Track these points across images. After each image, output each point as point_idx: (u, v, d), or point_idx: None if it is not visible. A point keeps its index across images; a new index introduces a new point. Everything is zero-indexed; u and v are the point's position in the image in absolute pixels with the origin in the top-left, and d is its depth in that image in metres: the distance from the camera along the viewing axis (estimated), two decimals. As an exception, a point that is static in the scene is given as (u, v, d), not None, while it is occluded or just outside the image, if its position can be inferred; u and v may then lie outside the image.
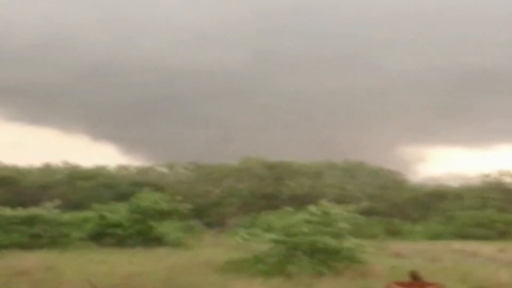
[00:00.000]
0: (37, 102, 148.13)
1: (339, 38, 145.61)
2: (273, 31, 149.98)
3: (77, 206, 57.11)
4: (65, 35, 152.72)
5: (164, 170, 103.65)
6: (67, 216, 45.55)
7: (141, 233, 44.90)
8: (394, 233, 67.19)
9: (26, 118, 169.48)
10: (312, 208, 31.10)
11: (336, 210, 30.92)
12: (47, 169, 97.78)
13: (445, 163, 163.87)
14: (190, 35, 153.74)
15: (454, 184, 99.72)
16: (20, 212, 42.54)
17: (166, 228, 46.91)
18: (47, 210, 43.35)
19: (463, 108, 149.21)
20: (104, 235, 44.24)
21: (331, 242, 28.07)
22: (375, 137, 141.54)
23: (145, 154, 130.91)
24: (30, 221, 41.77)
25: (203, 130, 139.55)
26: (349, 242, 28.68)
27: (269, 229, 31.04)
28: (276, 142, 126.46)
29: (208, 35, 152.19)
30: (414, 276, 18.23)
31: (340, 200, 50.00)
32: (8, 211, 42.58)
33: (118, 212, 46.82)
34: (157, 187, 69.04)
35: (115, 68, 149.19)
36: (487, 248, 43.98)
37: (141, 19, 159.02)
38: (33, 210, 43.10)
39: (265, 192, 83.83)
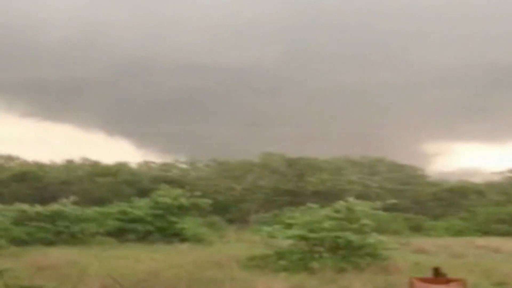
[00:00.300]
0: (66, 98, 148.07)
1: (369, 34, 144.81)
2: (306, 27, 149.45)
3: (98, 202, 57.31)
4: (98, 32, 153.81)
5: (185, 166, 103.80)
6: (89, 212, 45.79)
7: (162, 229, 45.09)
8: (416, 229, 66.91)
9: (45, 113, 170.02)
10: (337, 204, 31.14)
11: (360, 206, 30.93)
12: (68, 166, 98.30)
13: (467, 159, 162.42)
14: (223, 31, 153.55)
15: (476, 180, 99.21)
16: (41, 208, 42.82)
17: (187, 224, 47.00)
18: (66, 206, 43.62)
19: (487, 104, 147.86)
20: (125, 231, 44.46)
21: (354, 238, 28.06)
22: (398, 132, 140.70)
23: (169, 151, 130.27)
24: (53, 217, 42.04)
25: (229, 126, 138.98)
26: (372, 238, 28.64)
27: (291, 225, 30.94)
28: (302, 138, 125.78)
29: (241, 31, 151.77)
30: (437, 272, 18.15)
31: (362, 196, 49.84)
32: (30, 208, 42.88)
33: (140, 208, 46.99)
34: (178, 183, 69.14)
35: (148, 65, 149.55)
36: (510, 244, 43.61)
37: (173, 15, 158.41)
38: (56, 207, 43.36)
39: (287, 188, 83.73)
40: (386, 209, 40.48)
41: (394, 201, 39.08)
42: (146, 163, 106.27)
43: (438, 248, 40.33)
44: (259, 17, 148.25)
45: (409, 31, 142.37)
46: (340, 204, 31.19)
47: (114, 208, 47.98)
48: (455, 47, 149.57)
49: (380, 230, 33.64)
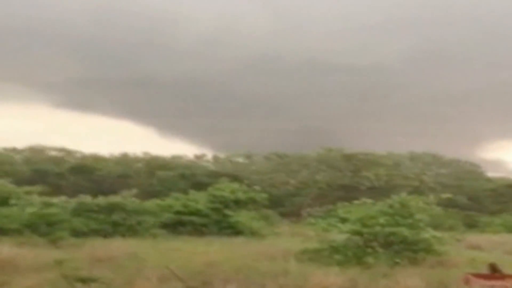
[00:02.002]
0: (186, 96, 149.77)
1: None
2: (429, 25, 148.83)
3: (154, 195, 58.03)
4: (230, 29, 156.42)
5: (241, 160, 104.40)
6: (148, 204, 46.45)
7: (217, 222, 45.49)
8: (472, 226, 66.26)
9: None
10: (390, 200, 31.16)
11: (414, 201, 30.89)
12: (124, 159, 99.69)
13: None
14: (349, 27, 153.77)
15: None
16: (101, 200, 43.57)
17: (242, 217, 47.35)
18: (125, 198, 44.33)
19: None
20: (182, 224, 44.94)
21: (408, 233, 28.04)
22: (459, 129, 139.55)
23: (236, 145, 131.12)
24: (110, 209, 42.73)
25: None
26: (427, 234, 28.58)
27: (345, 220, 31.02)
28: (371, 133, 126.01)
29: (367, 28, 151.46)
30: (494, 268, 18.15)
31: (417, 191, 49.59)
32: (88, 199, 43.66)
33: (196, 201, 47.47)
34: (234, 177, 69.54)
35: (272, 61, 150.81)
36: None
37: (302, 11, 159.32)
38: (113, 198, 44.10)
39: (342, 183, 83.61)
40: (441, 204, 40.24)
41: (448, 195, 38.79)
42: (201, 157, 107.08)
43: (493, 244, 39.95)
44: (387, 14, 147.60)
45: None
46: (393, 199, 31.21)
47: (173, 201, 48.53)
48: None
49: (435, 225, 33.54)
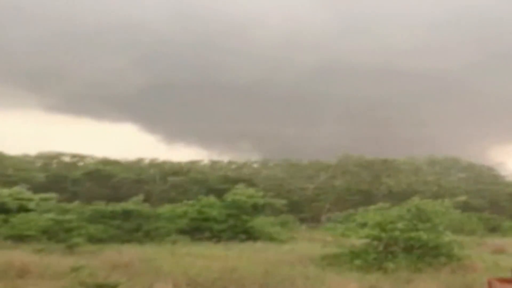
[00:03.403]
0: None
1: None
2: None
3: (169, 200, 57.98)
4: (300, 33, 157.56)
5: (256, 166, 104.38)
6: (163, 210, 46.29)
7: (235, 228, 45.25)
8: (493, 230, 65.61)
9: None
10: (407, 204, 30.90)
11: (431, 206, 30.62)
12: (137, 164, 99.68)
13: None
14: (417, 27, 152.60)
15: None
16: (116, 206, 43.56)
17: (260, 222, 47.13)
18: (138, 204, 44.32)
19: None
20: (199, 229, 44.77)
21: (427, 237, 27.69)
22: (474, 133, 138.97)
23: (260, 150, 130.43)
24: (126, 215, 42.70)
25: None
26: (447, 238, 28.23)
27: (364, 225, 30.76)
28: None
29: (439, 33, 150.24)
30: (518, 273, 17.73)
31: (437, 196, 49.27)
32: (104, 206, 43.67)
33: (213, 206, 47.29)
34: (249, 182, 69.37)
35: (340, 66, 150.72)
36: None
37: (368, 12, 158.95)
38: (129, 205, 44.10)
39: (361, 188, 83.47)
40: (461, 208, 39.90)
41: (463, 198, 38.41)
42: (216, 162, 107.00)
43: (515, 248, 39.47)
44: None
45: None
46: (410, 203, 30.97)
47: (190, 206, 48.39)
48: None
49: (455, 229, 33.22)
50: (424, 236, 27.76)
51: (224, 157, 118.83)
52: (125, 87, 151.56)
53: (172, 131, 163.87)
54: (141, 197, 46.34)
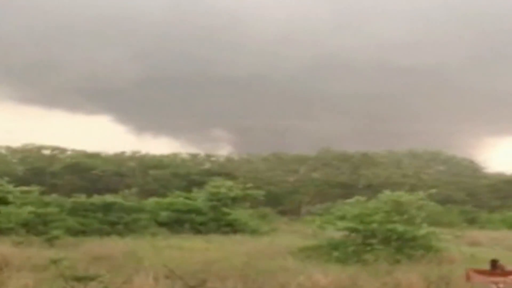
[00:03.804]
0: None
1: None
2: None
3: (149, 193, 57.92)
4: (298, 28, 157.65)
5: (235, 158, 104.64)
6: (146, 203, 46.32)
7: (216, 220, 45.35)
8: (471, 222, 65.96)
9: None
10: (382, 196, 31.10)
11: (407, 198, 30.85)
12: (118, 157, 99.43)
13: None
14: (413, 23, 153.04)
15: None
16: (97, 199, 43.51)
17: (240, 215, 47.23)
18: (122, 197, 44.26)
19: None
20: (180, 222, 44.80)
21: (404, 229, 27.89)
22: (458, 127, 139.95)
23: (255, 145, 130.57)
24: (107, 208, 42.63)
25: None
26: (424, 230, 28.44)
27: (342, 217, 30.95)
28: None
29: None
30: (495, 264, 17.93)
31: (415, 188, 49.54)
32: (84, 199, 43.57)
33: (194, 199, 47.34)
34: (229, 175, 69.49)
35: (336, 62, 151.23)
36: None
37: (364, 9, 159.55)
38: (109, 198, 44.05)
39: (340, 181, 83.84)
40: (440, 201, 40.12)
41: (433, 190, 38.52)
42: (195, 155, 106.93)
43: (493, 240, 39.81)
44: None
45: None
46: (385, 195, 31.17)
47: (172, 198, 48.42)
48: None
49: (434, 222, 33.39)
50: (400, 228, 27.98)
51: (194, 148, 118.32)
52: (117, 81, 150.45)
53: (143, 122, 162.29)
54: (133, 190, 46.35)
